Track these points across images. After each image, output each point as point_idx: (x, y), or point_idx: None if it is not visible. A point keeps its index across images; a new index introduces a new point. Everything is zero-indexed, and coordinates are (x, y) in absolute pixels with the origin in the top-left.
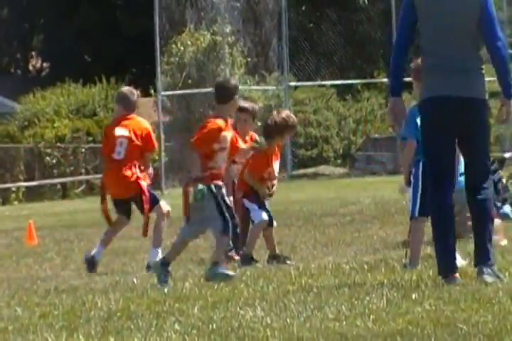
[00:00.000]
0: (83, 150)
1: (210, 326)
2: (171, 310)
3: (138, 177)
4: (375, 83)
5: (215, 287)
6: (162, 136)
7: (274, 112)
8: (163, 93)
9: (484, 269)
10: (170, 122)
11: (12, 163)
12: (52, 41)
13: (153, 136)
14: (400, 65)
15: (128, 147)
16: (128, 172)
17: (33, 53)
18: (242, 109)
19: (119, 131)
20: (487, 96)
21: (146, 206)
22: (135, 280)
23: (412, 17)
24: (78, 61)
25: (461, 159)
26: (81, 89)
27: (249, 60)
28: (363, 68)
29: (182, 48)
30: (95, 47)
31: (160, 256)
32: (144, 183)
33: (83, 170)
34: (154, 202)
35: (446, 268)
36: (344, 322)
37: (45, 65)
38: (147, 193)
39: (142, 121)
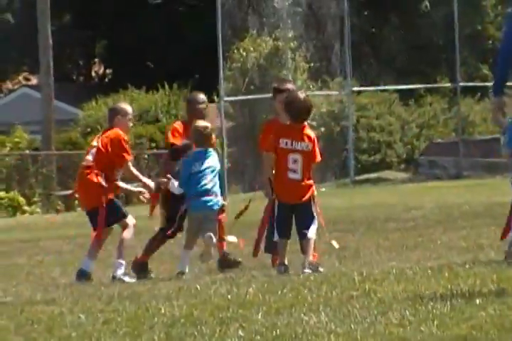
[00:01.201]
0: (146, 156)
1: (274, 332)
2: (235, 316)
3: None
4: (438, 88)
5: (279, 293)
6: (225, 142)
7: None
8: (226, 99)
9: None
10: (233, 128)
11: (75, 169)
12: (115, 47)
13: (126, 145)
14: (509, 64)
15: (96, 155)
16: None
17: (96, 60)
18: (282, 90)
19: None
20: None
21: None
22: (198, 286)
23: None
24: (141, 67)
25: None
26: (144, 95)
27: (312, 65)
28: (425, 73)
29: (244, 54)
30: (158, 53)
31: (124, 267)
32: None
33: (146, 177)
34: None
35: None
36: (408, 328)
37: (107, 71)
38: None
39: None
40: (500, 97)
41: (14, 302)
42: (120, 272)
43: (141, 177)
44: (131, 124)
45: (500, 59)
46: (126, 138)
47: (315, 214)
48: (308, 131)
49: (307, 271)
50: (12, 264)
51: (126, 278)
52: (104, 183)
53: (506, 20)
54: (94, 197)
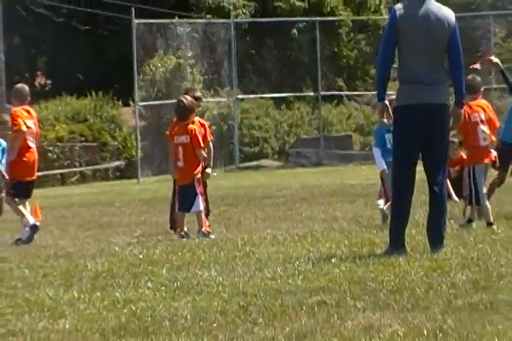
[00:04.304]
0: (77, 148)
1: (175, 284)
2: (145, 272)
3: None
4: (304, 96)
5: (179, 253)
6: (139, 137)
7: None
8: (139, 103)
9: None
10: (144, 126)
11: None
12: (53, 63)
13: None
14: (386, 76)
15: None
16: None
17: (38, 73)
18: (198, 98)
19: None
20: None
21: None
22: (116, 248)
23: (394, 37)
24: (73, 79)
25: None
26: (75, 101)
27: (206, 77)
28: (294, 84)
29: (154, 69)
30: (87, 67)
31: None
32: None
33: (77, 163)
34: None
35: (398, 239)
36: (279, 281)
37: (47, 82)
38: None
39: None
40: (384, 103)
41: None
42: None
43: None
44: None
45: (381, 69)
46: (18, 113)
47: (198, 191)
48: (191, 126)
49: (201, 237)
50: None
51: None
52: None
53: (386, 31)
54: None
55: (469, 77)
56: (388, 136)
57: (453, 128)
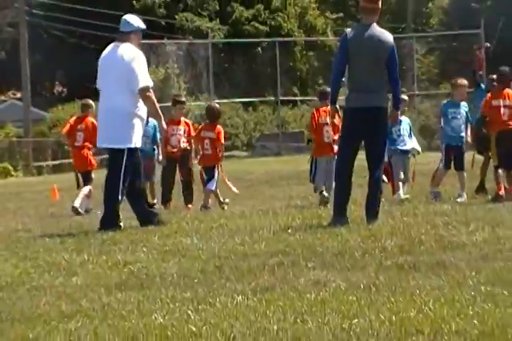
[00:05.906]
0: None
1: (165, 248)
2: (140, 239)
3: None
4: (266, 100)
5: (168, 224)
6: None
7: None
8: None
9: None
10: None
11: (44, 150)
12: (68, 75)
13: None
14: (338, 85)
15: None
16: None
17: (56, 82)
18: (182, 102)
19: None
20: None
21: None
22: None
23: (345, 56)
24: (84, 87)
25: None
26: None
27: (189, 86)
28: (258, 91)
29: None
30: (95, 78)
31: None
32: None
33: None
34: None
35: (340, 212)
36: (246, 246)
37: (64, 89)
38: None
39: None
40: (335, 106)
41: (4, 231)
42: None
43: None
44: None
45: (334, 80)
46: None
47: (216, 174)
48: (219, 127)
49: (204, 209)
50: (4, 208)
51: None
52: None
53: (339, 50)
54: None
55: (322, 87)
56: (394, 128)
57: (393, 123)
